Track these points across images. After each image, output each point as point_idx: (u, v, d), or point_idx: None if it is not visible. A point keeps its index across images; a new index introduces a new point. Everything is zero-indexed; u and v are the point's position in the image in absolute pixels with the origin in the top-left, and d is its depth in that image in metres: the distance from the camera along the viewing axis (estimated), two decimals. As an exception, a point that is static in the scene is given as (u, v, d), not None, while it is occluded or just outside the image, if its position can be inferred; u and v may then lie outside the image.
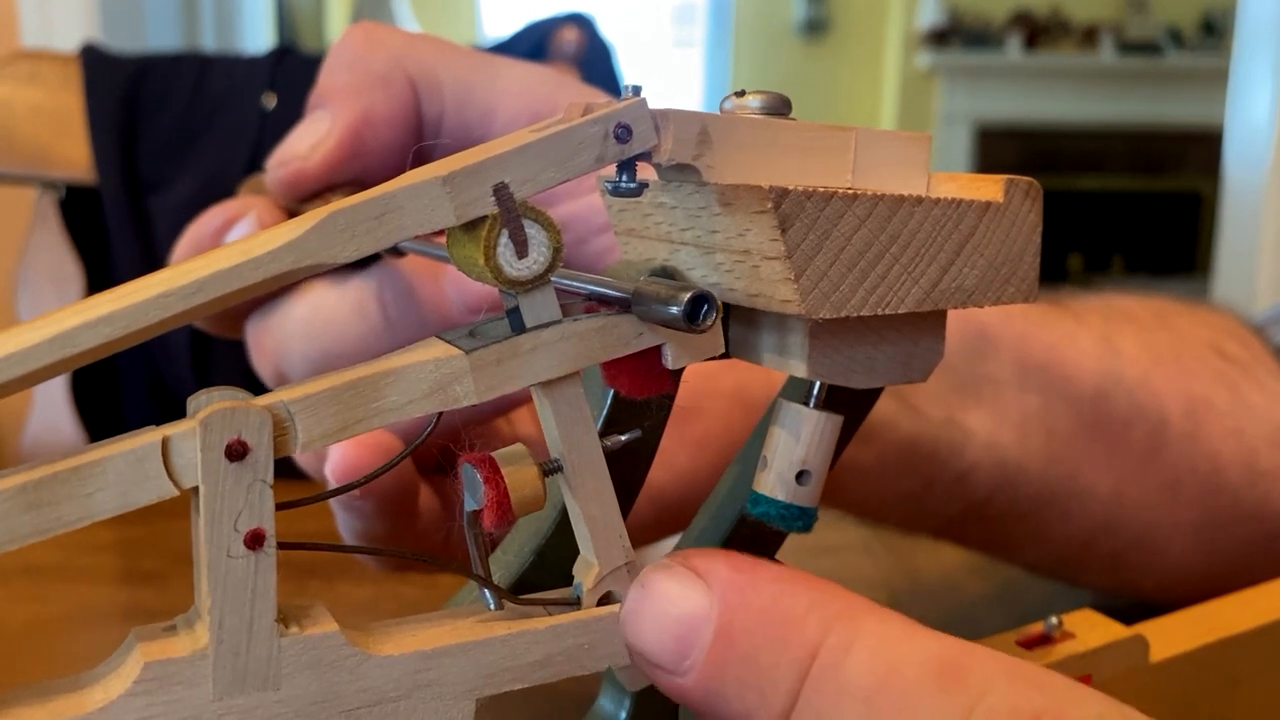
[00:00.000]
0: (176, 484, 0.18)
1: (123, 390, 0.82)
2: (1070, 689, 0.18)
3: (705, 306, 0.20)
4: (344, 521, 0.33)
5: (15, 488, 0.17)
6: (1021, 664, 0.18)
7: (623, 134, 0.20)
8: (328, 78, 0.36)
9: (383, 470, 0.22)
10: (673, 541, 0.31)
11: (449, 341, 0.21)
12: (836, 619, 0.19)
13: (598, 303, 0.22)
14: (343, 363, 0.34)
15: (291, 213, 0.36)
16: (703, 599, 0.19)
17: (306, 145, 0.34)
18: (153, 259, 0.79)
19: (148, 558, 0.51)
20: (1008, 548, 0.45)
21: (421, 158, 0.24)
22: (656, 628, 0.20)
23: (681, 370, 0.22)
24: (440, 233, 0.33)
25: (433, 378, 0.20)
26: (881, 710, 0.18)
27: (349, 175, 0.35)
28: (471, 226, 0.20)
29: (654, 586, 0.20)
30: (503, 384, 0.20)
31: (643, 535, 0.35)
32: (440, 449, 0.35)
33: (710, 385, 0.36)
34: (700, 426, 0.36)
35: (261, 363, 0.36)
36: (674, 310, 0.20)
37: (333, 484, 0.31)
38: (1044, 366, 0.42)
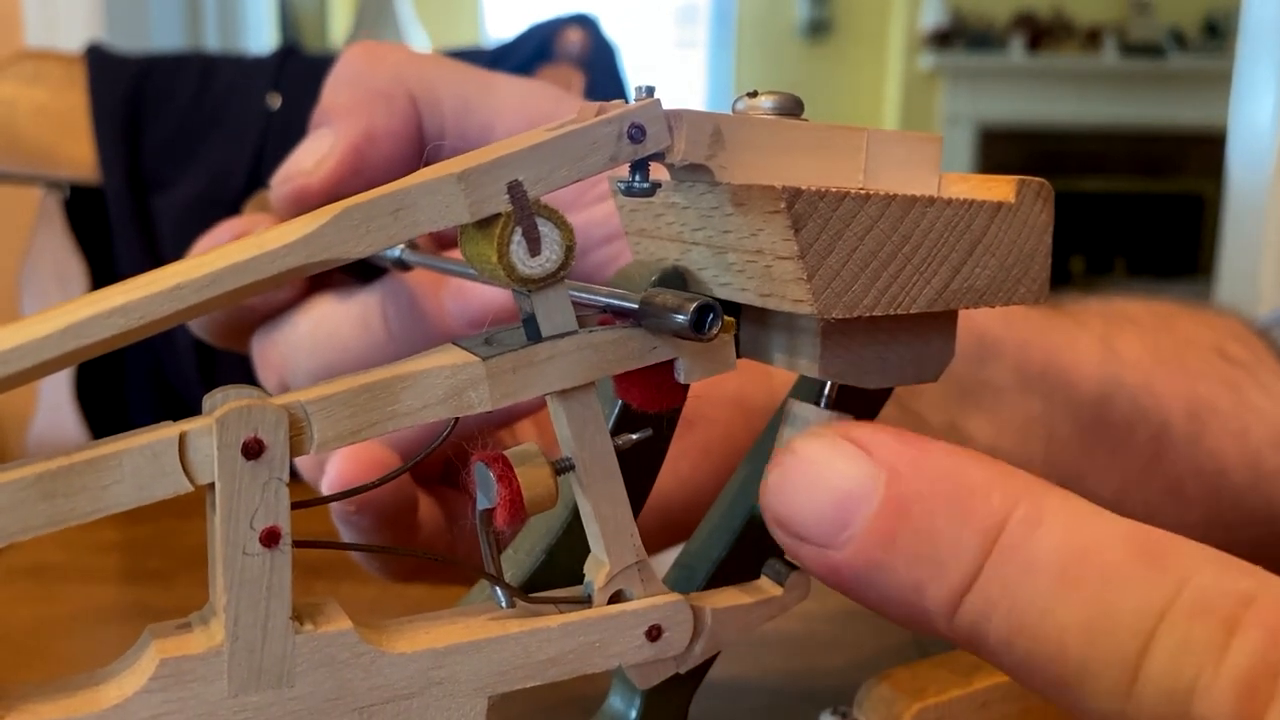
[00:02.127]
0: (192, 479, 0.18)
1: (127, 390, 0.82)
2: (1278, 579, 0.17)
3: (711, 315, 0.20)
4: (345, 532, 0.33)
5: (32, 477, 0.17)
6: (1222, 553, 0.18)
7: (636, 134, 0.20)
8: (330, 95, 0.36)
9: (383, 480, 0.22)
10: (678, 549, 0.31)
11: (465, 348, 0.21)
12: (1022, 493, 0.18)
13: (612, 315, 0.22)
14: None
15: None
16: (867, 467, 0.18)
17: (311, 161, 0.35)
18: (157, 258, 0.79)
19: (153, 557, 0.51)
20: None
21: (433, 160, 0.24)
22: (810, 497, 0.19)
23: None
24: (447, 245, 0.33)
25: (448, 383, 0.20)
26: (1078, 585, 0.17)
27: (352, 191, 0.34)
28: (485, 224, 0.20)
29: (808, 453, 0.19)
30: (517, 392, 0.20)
31: (647, 544, 0.36)
32: (444, 460, 0.35)
33: (711, 392, 0.36)
34: (702, 434, 0.36)
35: (266, 376, 0.36)
36: (680, 319, 0.20)
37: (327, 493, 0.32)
38: (1045, 371, 0.42)
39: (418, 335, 0.34)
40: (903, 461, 0.18)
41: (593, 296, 0.22)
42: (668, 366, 0.22)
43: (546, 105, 0.36)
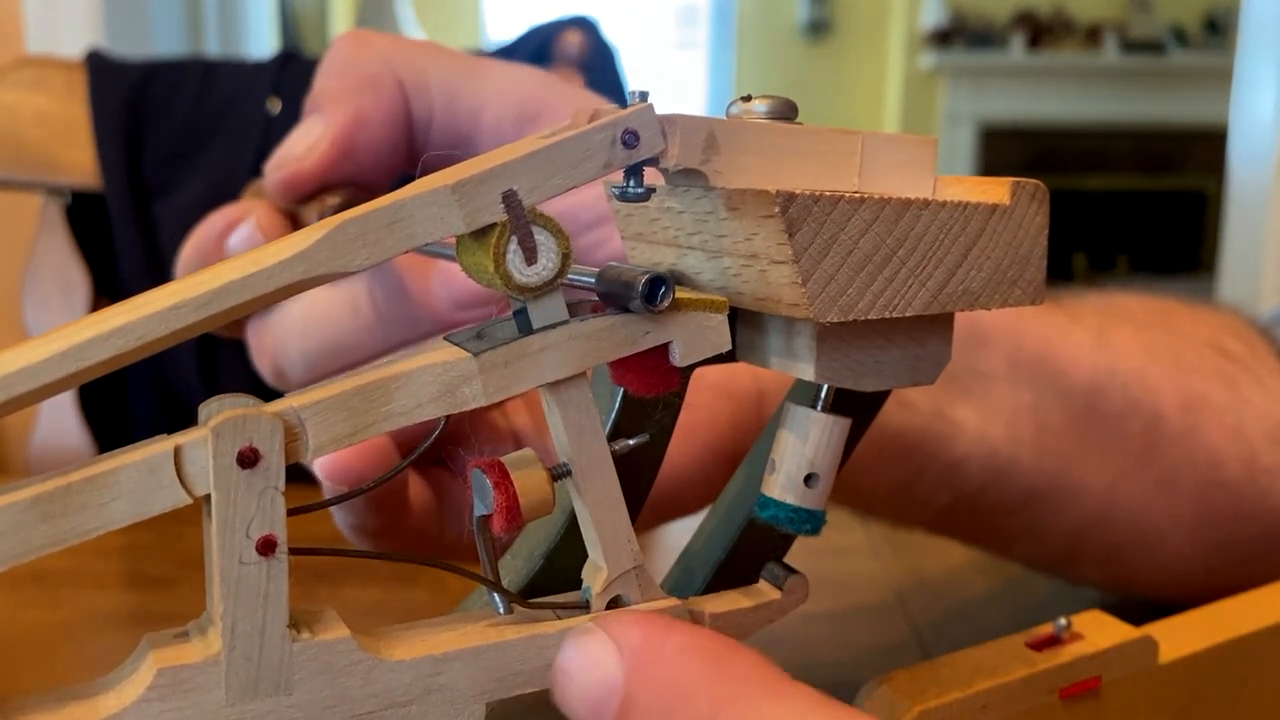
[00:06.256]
0: (189, 492, 0.18)
1: (129, 396, 0.82)
2: None
3: (663, 288, 0.20)
4: (338, 516, 0.34)
5: (30, 499, 0.17)
6: None
7: (630, 140, 0.20)
8: (321, 83, 0.37)
9: (386, 478, 0.22)
10: (675, 532, 0.31)
11: (456, 344, 0.21)
12: (727, 700, 0.19)
13: (603, 302, 0.22)
14: (337, 358, 0.35)
15: (291, 215, 0.37)
16: (615, 667, 0.20)
17: (302, 148, 0.35)
18: (158, 264, 0.79)
19: (156, 563, 0.51)
20: (1002, 541, 0.45)
21: (428, 168, 0.24)
22: (578, 691, 0.20)
23: (690, 369, 0.22)
24: None
25: (441, 381, 0.20)
26: None
27: (343, 175, 0.36)
28: (481, 234, 0.20)
29: (580, 648, 0.20)
30: (511, 385, 0.20)
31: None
32: (436, 442, 0.36)
33: (695, 376, 0.36)
34: (685, 417, 0.36)
35: (261, 360, 0.37)
36: (633, 293, 0.20)
37: (322, 481, 0.32)
38: (1037, 361, 0.42)
39: (406, 317, 0.34)
40: (636, 661, 0.20)
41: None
42: (662, 350, 0.22)
43: (535, 89, 0.37)
